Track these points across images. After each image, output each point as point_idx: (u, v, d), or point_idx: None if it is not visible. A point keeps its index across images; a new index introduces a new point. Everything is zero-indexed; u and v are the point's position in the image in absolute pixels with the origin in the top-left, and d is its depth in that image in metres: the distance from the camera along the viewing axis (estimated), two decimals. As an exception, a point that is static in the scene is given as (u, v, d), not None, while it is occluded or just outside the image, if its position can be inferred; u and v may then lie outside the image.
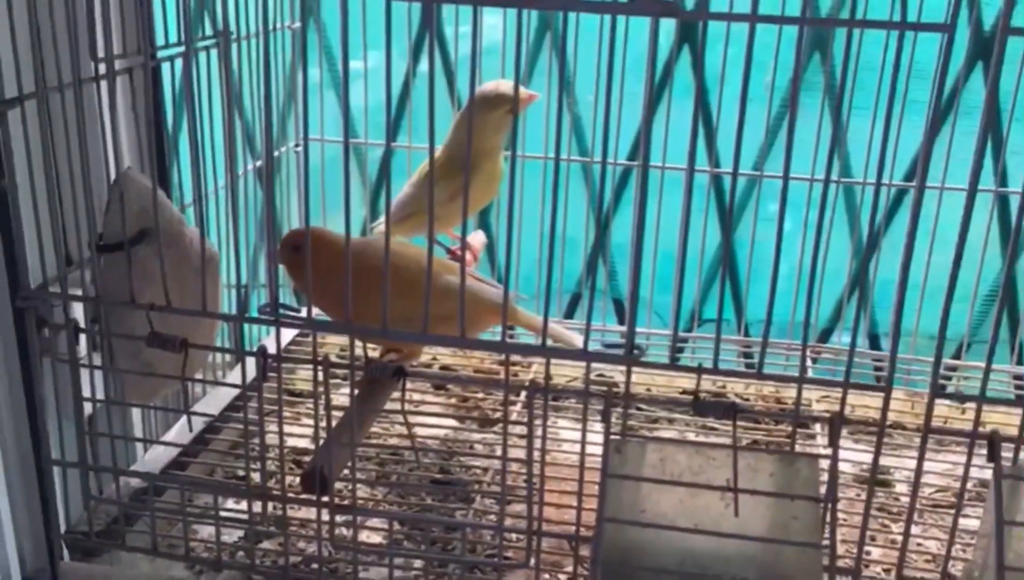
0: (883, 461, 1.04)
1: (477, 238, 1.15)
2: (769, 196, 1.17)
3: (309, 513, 0.87)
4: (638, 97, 1.13)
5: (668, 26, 1.13)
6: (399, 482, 0.94)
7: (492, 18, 1.15)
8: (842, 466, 1.00)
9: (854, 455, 1.01)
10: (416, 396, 1.14)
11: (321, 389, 0.68)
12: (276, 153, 1.16)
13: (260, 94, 1.09)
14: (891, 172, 1.11)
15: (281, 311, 0.67)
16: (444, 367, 1.21)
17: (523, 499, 0.79)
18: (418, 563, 0.80)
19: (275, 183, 1.18)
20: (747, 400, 1.15)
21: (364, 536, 0.88)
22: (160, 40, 0.87)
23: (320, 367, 0.67)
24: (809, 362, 1.18)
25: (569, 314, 1.28)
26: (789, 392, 1.15)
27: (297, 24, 1.13)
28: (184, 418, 0.91)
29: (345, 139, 0.62)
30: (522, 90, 0.96)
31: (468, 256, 1.08)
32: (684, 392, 1.13)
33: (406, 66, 1.20)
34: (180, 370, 0.71)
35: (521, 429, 1.02)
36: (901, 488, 0.99)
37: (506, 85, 0.99)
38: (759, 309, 1.21)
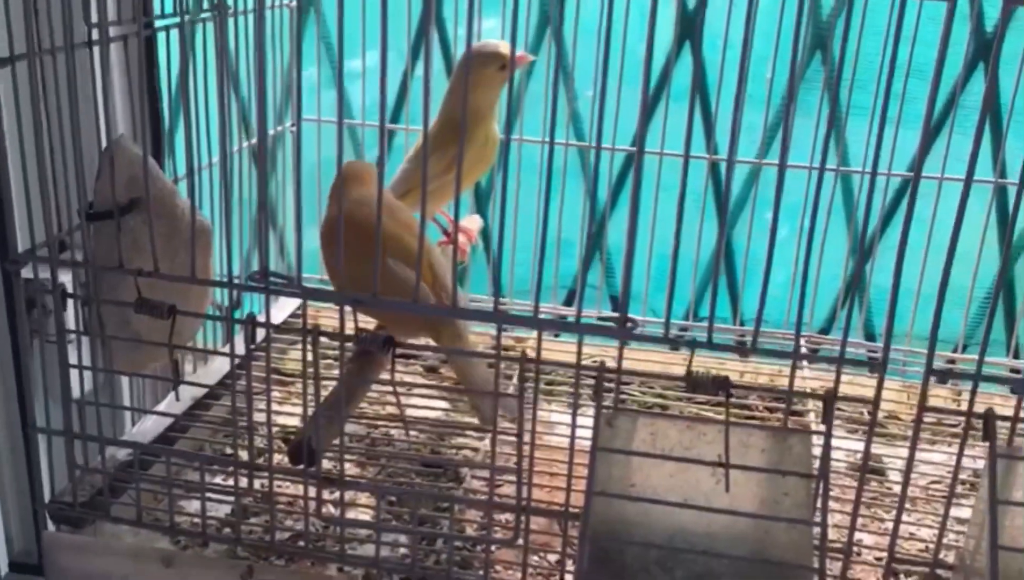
0: (879, 451, 1.04)
1: (474, 222, 1.14)
2: (767, 196, 1.16)
3: (299, 490, 0.86)
4: (637, 93, 1.13)
5: (667, 20, 1.13)
6: (388, 461, 0.93)
7: (490, 22, 1.15)
8: (836, 455, 1.00)
9: (848, 443, 1.00)
10: (408, 378, 1.13)
11: (311, 361, 0.67)
12: (272, 132, 1.15)
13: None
14: (889, 162, 1.11)
15: (271, 279, 0.66)
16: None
17: (514, 480, 0.78)
18: (406, 539, 0.80)
19: (272, 163, 1.17)
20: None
21: (353, 515, 0.87)
22: (157, 9, 0.86)
23: (310, 337, 0.67)
24: (805, 351, 1.17)
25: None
26: (785, 380, 1.15)
27: (294, 2, 1.12)
28: (173, 392, 0.90)
29: (339, 114, 0.61)
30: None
31: (464, 238, 1.07)
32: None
33: (405, 64, 1.20)
34: (168, 339, 0.70)
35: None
36: (896, 477, 0.99)
37: (497, 43, 0.98)
38: (755, 308, 1.21)
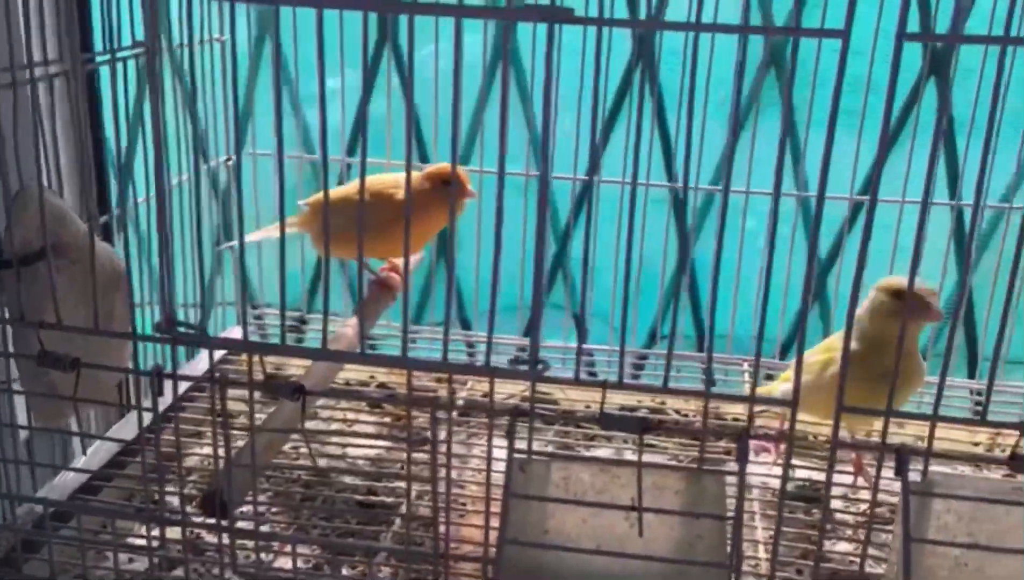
0: (817, 477, 1.03)
1: (413, 257, 1.13)
2: (734, 212, 1.15)
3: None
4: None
5: (624, 42, 1.12)
6: (312, 506, 0.92)
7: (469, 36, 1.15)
8: (776, 483, 0.99)
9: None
10: (350, 415, 1.12)
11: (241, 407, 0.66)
12: (210, 164, 1.14)
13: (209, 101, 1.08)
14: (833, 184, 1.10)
15: (179, 329, 0.65)
16: (381, 385, 1.19)
17: (443, 520, 0.77)
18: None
19: (219, 192, 1.16)
20: (686, 416, 1.14)
21: (283, 563, 0.86)
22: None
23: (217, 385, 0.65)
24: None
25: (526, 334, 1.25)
26: (732, 409, 1.14)
27: (225, 37, 1.11)
28: (98, 443, 0.88)
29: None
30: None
31: (396, 277, 1.06)
32: (623, 408, 1.12)
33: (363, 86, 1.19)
34: (90, 391, 0.69)
35: (457, 448, 1.01)
36: (836, 504, 0.98)
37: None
38: (719, 325, 1.21)
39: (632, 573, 0.60)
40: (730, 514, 0.60)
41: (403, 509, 0.90)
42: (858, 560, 0.89)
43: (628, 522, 0.61)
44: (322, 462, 1.03)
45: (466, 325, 1.30)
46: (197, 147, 0.88)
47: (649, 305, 1.22)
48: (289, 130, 1.20)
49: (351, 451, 1.05)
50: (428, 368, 0.64)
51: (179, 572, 0.84)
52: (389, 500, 0.93)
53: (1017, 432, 0.57)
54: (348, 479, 0.98)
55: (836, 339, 0.97)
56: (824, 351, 0.95)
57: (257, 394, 0.64)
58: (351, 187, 1.01)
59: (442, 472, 0.65)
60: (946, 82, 1.12)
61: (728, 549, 0.60)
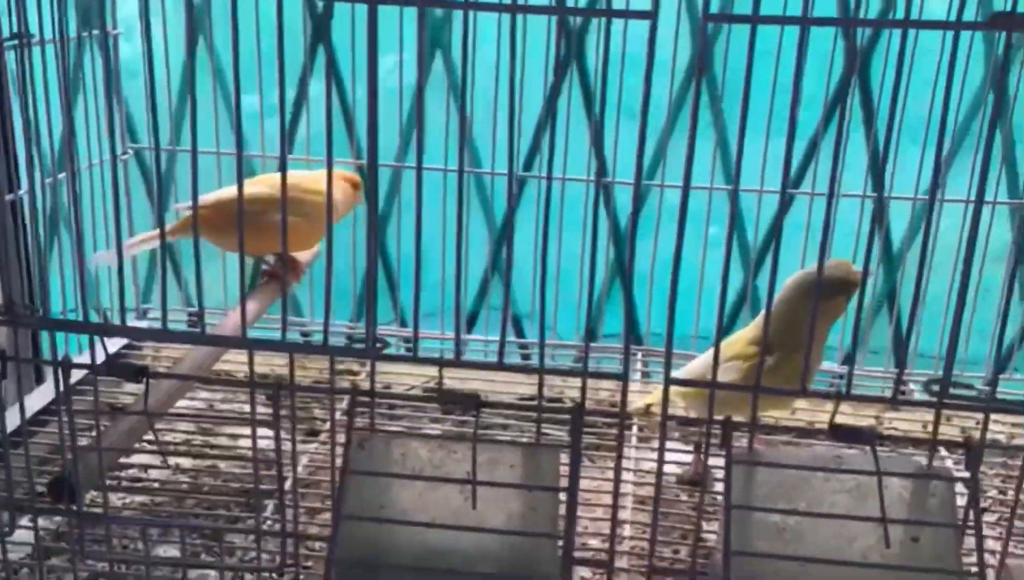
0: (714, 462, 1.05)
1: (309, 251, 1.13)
2: (666, 209, 1.15)
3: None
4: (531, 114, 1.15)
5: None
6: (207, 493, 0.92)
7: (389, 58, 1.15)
8: (668, 467, 1.00)
9: (676, 456, 1.01)
10: (246, 407, 1.12)
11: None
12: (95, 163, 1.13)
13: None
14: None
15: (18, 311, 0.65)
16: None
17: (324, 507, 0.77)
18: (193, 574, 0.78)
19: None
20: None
21: (162, 551, 0.86)
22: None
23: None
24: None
25: (468, 332, 1.25)
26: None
27: (120, 31, 1.11)
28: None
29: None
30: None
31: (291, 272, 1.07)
32: (522, 398, 1.14)
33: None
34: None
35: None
36: (720, 487, 1.00)
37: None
38: (655, 322, 1.22)
39: (467, 546, 0.61)
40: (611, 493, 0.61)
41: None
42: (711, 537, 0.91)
43: (463, 496, 0.62)
44: (214, 451, 1.04)
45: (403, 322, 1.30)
46: (71, 142, 0.88)
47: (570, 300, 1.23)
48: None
49: (242, 443, 1.05)
50: (269, 348, 0.64)
51: (55, 560, 0.84)
52: (267, 487, 0.94)
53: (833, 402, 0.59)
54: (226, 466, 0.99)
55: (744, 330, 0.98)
56: (731, 343, 0.96)
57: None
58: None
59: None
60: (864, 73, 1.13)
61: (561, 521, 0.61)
